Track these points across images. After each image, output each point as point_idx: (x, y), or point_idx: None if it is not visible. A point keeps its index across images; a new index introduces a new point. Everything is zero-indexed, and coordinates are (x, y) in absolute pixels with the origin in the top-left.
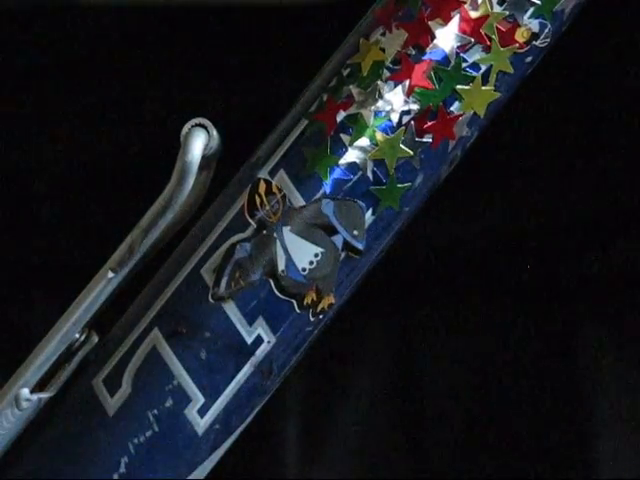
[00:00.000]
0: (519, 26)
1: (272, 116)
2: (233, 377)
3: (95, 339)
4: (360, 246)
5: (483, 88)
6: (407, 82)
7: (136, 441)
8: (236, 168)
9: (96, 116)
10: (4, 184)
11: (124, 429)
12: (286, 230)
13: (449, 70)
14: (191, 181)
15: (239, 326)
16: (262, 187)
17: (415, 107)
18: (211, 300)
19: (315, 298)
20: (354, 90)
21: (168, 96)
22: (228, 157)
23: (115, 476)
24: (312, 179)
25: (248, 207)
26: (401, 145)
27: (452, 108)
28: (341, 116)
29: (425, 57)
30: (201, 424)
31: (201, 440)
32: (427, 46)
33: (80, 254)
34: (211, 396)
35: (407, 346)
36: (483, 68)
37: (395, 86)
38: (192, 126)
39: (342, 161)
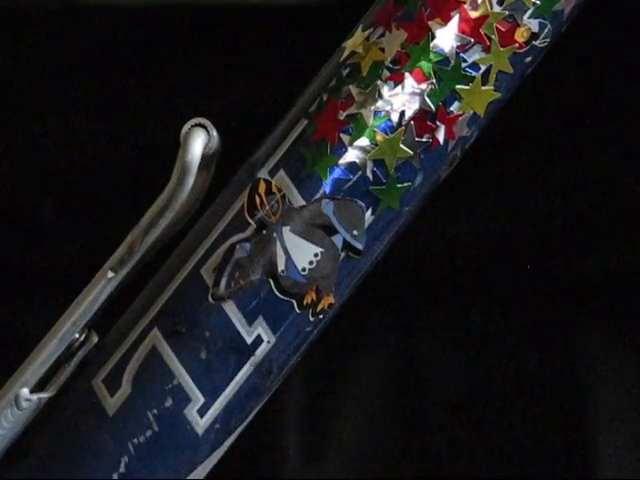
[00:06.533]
0: (519, 26)
1: (272, 116)
2: (233, 377)
3: (95, 339)
4: (360, 246)
5: (483, 88)
6: (407, 82)
7: (136, 441)
8: (236, 168)
9: (96, 116)
10: (4, 184)
11: (124, 429)
12: (286, 230)
13: (449, 70)
14: (191, 181)
15: (239, 326)
16: (262, 187)
17: (415, 107)
18: (211, 300)
19: (315, 298)
20: (354, 90)
21: (168, 96)
22: (228, 157)
23: (115, 476)
24: (312, 179)
25: (248, 207)
26: (401, 145)
27: (452, 108)
28: (341, 116)
29: None
30: (201, 424)
31: (201, 440)
32: None
33: (80, 254)
34: (211, 396)
35: (408, 346)
36: (483, 68)
37: (395, 86)
38: (192, 126)
39: (342, 161)
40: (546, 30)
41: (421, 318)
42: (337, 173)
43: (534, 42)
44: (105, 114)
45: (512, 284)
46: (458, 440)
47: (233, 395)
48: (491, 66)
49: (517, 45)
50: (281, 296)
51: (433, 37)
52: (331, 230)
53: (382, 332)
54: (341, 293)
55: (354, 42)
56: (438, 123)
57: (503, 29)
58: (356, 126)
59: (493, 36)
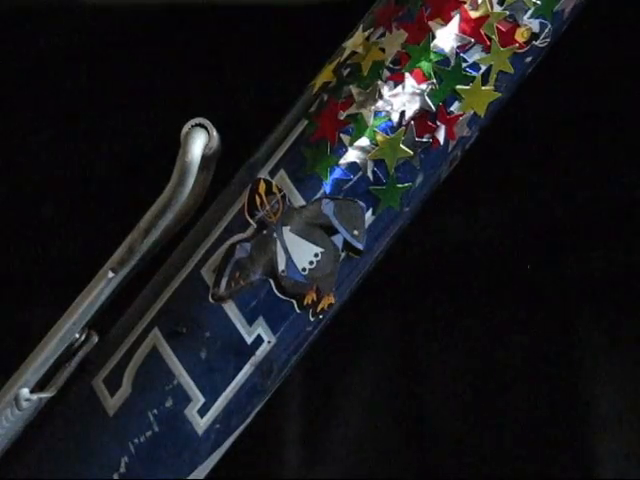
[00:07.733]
0: (519, 26)
1: (272, 116)
2: (233, 377)
3: (95, 339)
4: (360, 246)
5: (483, 88)
6: (407, 82)
7: (136, 441)
8: (236, 168)
9: (96, 116)
10: (4, 184)
11: (124, 429)
12: (286, 230)
13: (449, 70)
14: (191, 181)
15: (239, 326)
16: (262, 187)
17: (415, 107)
18: (211, 300)
19: (315, 298)
20: (354, 90)
21: (168, 96)
22: (228, 157)
23: (115, 476)
24: (312, 179)
25: (248, 207)
26: (401, 145)
27: (452, 108)
28: (341, 116)
29: None
30: (201, 424)
31: (201, 440)
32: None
33: (80, 254)
34: (211, 396)
35: (408, 346)
36: (483, 68)
37: (395, 86)
38: (192, 126)
39: (342, 161)
40: (546, 30)
41: (421, 317)
42: (337, 173)
43: (534, 42)
44: (105, 114)
45: (512, 283)
46: (458, 440)
47: (233, 395)
48: (491, 66)
49: (517, 45)
50: (281, 296)
51: (433, 37)
52: (331, 230)
53: (382, 331)
54: (341, 293)
55: (354, 42)
56: (438, 123)
57: (503, 29)
58: (356, 126)
59: (493, 36)
